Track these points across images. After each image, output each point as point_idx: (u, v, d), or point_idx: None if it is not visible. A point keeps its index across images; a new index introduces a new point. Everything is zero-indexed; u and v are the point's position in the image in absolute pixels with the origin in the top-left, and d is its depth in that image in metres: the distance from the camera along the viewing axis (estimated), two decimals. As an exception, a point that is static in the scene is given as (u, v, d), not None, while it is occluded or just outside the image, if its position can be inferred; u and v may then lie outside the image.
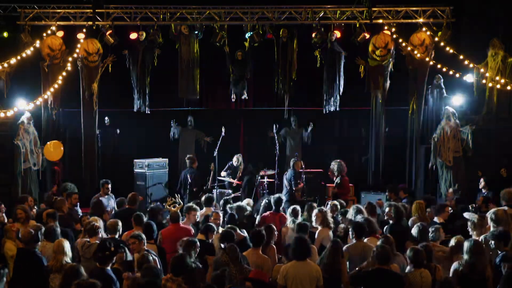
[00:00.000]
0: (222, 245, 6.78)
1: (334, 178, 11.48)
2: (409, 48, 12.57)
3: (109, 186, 10.50)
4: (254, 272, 6.00)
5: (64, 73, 12.28)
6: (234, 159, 12.87)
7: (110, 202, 10.32)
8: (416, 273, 6.11)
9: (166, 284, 5.75)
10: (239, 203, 9.51)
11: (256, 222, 8.81)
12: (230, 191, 12.46)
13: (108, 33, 12.32)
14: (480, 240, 6.90)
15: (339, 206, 9.09)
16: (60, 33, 12.50)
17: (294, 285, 6.02)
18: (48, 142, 11.94)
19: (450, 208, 8.96)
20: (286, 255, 6.59)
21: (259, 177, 12.42)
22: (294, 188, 11.45)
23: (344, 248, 6.82)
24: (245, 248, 7.04)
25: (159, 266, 6.49)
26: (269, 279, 6.37)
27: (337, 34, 12.92)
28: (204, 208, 9.25)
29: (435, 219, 8.41)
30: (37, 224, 7.77)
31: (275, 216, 8.70)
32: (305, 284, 6.02)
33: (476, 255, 6.15)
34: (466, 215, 8.04)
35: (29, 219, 8.20)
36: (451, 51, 12.38)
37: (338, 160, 11.60)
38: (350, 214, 8.35)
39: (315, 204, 8.97)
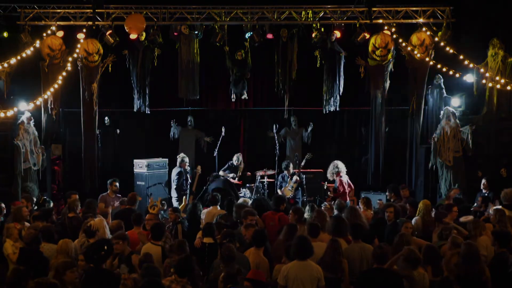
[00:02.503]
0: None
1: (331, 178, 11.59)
2: (409, 48, 12.56)
3: (117, 184, 10.52)
4: (253, 272, 5.98)
5: (64, 73, 12.26)
6: (234, 158, 12.85)
7: (117, 202, 10.34)
8: (420, 272, 6.04)
9: (170, 285, 5.74)
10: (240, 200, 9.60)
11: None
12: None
13: (108, 33, 12.31)
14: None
15: (334, 208, 9.15)
16: (60, 33, 12.49)
17: (295, 286, 5.98)
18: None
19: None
20: (287, 255, 6.54)
21: (259, 177, 12.41)
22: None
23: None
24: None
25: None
26: (266, 279, 6.34)
27: (337, 34, 12.91)
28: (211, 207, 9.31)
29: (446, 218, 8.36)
30: (39, 225, 7.79)
31: (274, 216, 8.69)
32: (306, 284, 5.98)
33: (469, 258, 6.09)
34: (462, 219, 8.10)
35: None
36: (451, 51, 12.37)
37: (335, 161, 11.68)
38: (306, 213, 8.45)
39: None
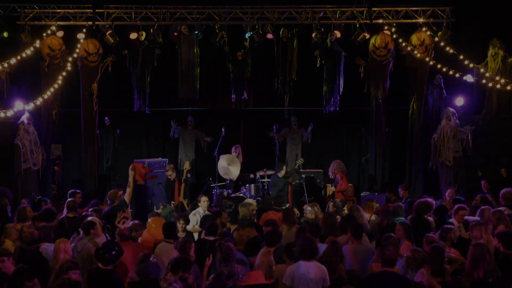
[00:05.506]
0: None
1: (332, 177, 11.62)
2: (409, 48, 12.56)
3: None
4: (248, 276, 5.95)
5: (64, 73, 12.28)
6: (233, 149, 12.72)
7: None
8: None
9: (162, 285, 5.71)
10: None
11: None
12: (230, 190, 12.41)
13: (108, 33, 12.30)
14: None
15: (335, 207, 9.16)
16: (60, 33, 12.49)
17: (301, 286, 5.94)
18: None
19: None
20: (288, 255, 6.50)
21: (259, 177, 12.40)
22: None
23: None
24: (255, 247, 7.05)
25: None
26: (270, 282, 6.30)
27: (337, 34, 12.91)
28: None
29: (451, 219, 8.35)
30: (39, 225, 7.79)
31: (274, 216, 8.69)
32: (311, 285, 5.94)
33: (475, 258, 6.02)
34: (467, 218, 8.06)
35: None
36: (451, 51, 12.38)
37: (337, 161, 11.68)
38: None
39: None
